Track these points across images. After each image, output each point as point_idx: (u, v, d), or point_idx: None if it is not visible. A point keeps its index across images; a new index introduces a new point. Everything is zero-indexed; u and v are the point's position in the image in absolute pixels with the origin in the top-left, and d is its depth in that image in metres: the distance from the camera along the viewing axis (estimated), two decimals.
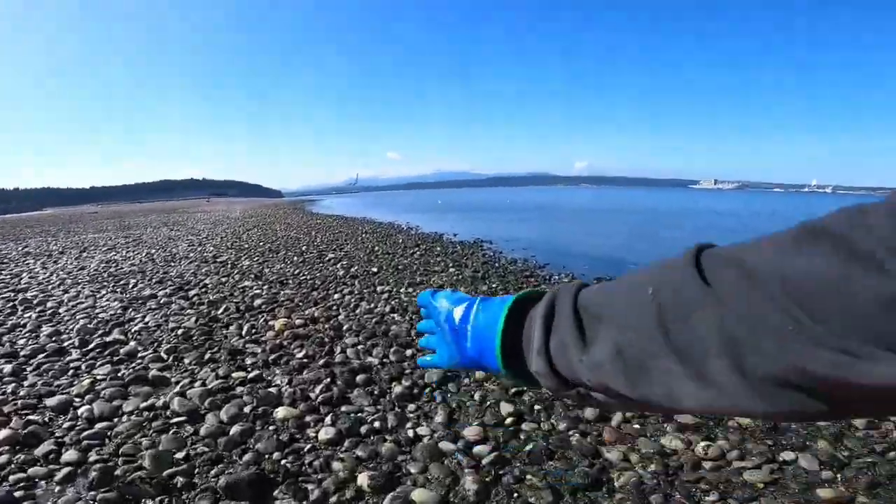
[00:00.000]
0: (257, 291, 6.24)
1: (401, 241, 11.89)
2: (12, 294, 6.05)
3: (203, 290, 6.42)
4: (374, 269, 7.74)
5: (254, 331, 4.45)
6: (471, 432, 2.75)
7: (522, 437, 2.75)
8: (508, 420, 2.88)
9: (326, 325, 4.63)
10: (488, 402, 3.07)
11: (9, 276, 7.56)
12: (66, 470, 2.22)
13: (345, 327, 4.58)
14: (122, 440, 2.45)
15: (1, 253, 10.96)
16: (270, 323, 4.71)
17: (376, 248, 10.39)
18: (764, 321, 0.29)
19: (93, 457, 2.31)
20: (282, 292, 6.18)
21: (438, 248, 10.42)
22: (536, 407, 3.05)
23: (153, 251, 10.68)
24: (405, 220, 21.26)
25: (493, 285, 6.68)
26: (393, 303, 5.54)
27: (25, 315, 4.90)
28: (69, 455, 2.31)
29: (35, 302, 5.54)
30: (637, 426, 2.89)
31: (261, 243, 11.81)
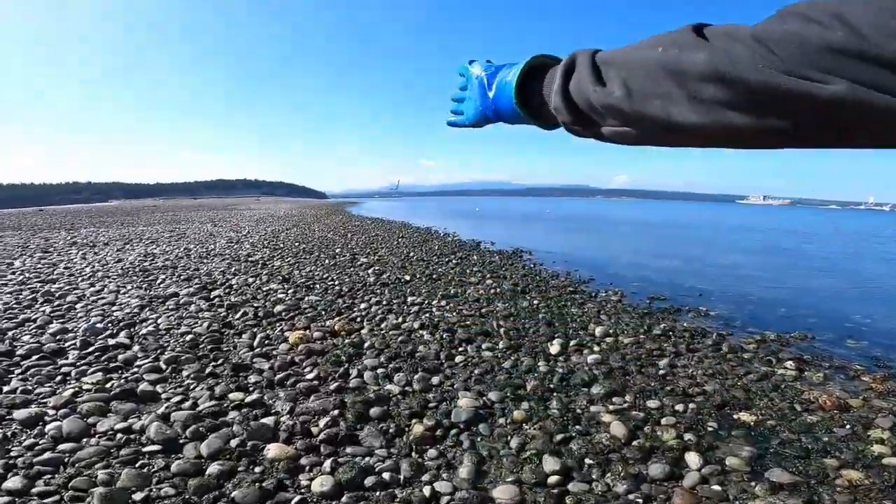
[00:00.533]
0: (281, 296, 5.89)
1: (436, 247, 11.43)
2: (39, 285, 5.94)
3: (227, 290, 6.13)
4: (407, 277, 7.28)
5: (267, 342, 4.05)
6: (504, 493, 2.20)
7: (570, 501, 2.18)
8: (552, 479, 2.31)
9: (347, 341, 4.17)
10: (527, 452, 2.50)
11: (45, 266, 7.56)
12: (1, 501, 1.82)
13: (366, 344, 4.11)
14: (78, 470, 2.04)
15: (49, 242, 11.22)
16: (286, 334, 4.31)
17: (411, 254, 9.96)
18: (744, 57, 0.41)
19: (38, 487, 1.91)
20: (306, 298, 5.81)
21: (475, 258, 9.88)
22: (588, 461, 2.47)
23: (192, 246, 10.66)
24: (442, 225, 20.83)
25: (535, 302, 6.07)
26: (423, 317, 5.04)
27: (40, 309, 4.69)
28: (12, 482, 1.92)
29: (57, 295, 5.38)
30: (717, 487, 2.27)
31: (297, 243, 11.63)
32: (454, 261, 9.31)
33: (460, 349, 4.19)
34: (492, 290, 6.64)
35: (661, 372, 3.83)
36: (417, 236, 14.50)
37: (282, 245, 11.19)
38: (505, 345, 4.29)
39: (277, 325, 4.66)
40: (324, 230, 16.01)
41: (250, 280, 6.87)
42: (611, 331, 4.90)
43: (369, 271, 7.78)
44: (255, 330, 4.41)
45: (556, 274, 8.45)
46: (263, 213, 27.74)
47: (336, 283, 6.81)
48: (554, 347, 4.28)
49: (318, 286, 6.59)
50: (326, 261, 8.81)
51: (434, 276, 7.48)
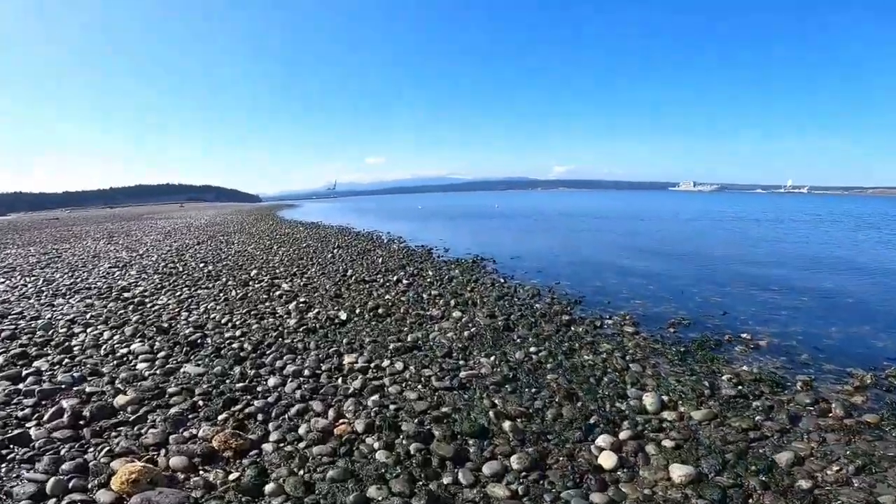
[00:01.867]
0: (142, 366, 3.76)
1: (380, 261, 9.41)
2: None
3: (56, 361, 3.88)
4: (343, 316, 5.26)
5: (74, 479, 1.99)
6: None
7: None
8: None
9: (231, 477, 2.20)
10: None
11: None
12: None
13: (269, 486, 2.16)
14: None
15: None
16: (113, 466, 2.26)
17: (349, 273, 7.90)
18: None
19: None
20: (182, 369, 3.70)
21: (430, 273, 7.99)
22: None
23: (57, 276, 8.04)
24: (385, 228, 18.75)
25: (531, 350, 4.28)
26: (370, 404, 3.11)
27: None
28: None
29: None
30: None
31: (203, 264, 9.21)
32: (404, 279, 7.36)
33: (444, 482, 2.32)
34: (465, 331, 4.79)
35: (802, 484, 2.19)
36: (357, 244, 12.38)
37: (181, 268, 8.75)
38: (521, 462, 2.45)
39: (106, 442, 2.58)
40: (245, 242, 13.50)
41: (106, 335, 4.62)
42: (664, 397, 3.20)
43: (291, 306, 5.69)
44: (58, 452, 2.30)
45: (537, 292, 6.72)
46: (179, 224, 24.34)
47: (238, 332, 4.70)
48: (604, 457, 2.51)
49: (209, 340, 4.47)
50: (234, 291, 6.59)
51: (380, 311, 5.51)
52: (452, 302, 5.96)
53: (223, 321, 5.16)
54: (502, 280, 7.55)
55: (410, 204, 59.83)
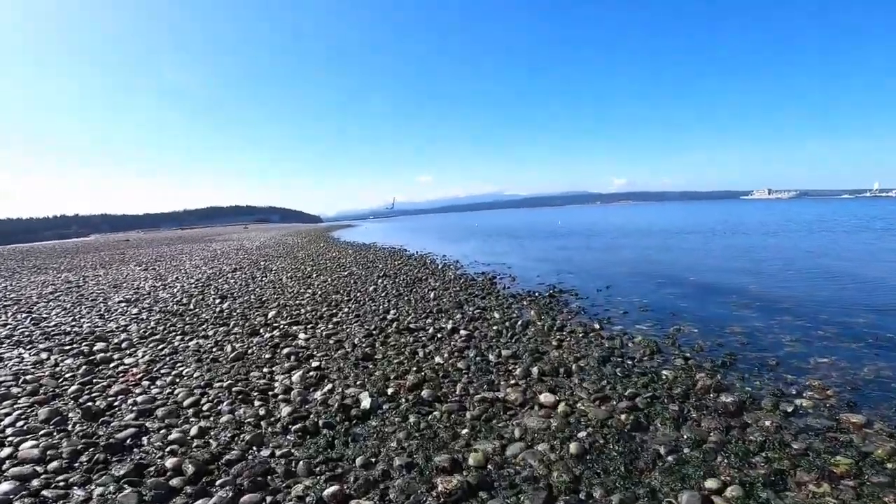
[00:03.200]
0: None
1: (432, 295, 7.49)
2: None
3: None
4: (365, 404, 3.34)
5: None
6: None
7: None
8: None
9: None
10: None
11: None
12: None
13: None
14: None
15: None
16: None
17: (390, 315, 6.04)
18: None
19: None
20: None
21: (496, 316, 5.95)
22: None
23: (46, 313, 6.79)
24: (440, 249, 16.91)
25: (695, 473, 2.19)
26: None
27: None
28: None
29: None
30: None
31: (220, 300, 7.71)
32: (462, 328, 5.38)
33: None
34: (568, 439, 2.73)
35: None
36: (407, 271, 10.56)
37: (192, 306, 7.26)
38: None
39: None
40: (283, 270, 12.09)
41: (7, 421, 2.99)
42: None
43: (295, 377, 3.85)
44: None
45: (654, 345, 4.49)
46: (231, 247, 23.83)
47: (195, 427, 2.91)
48: None
49: (145, 442, 2.69)
50: (230, 346, 4.87)
51: (425, 392, 3.54)
52: (535, 370, 3.89)
53: (186, 402, 3.40)
54: (597, 326, 5.37)
55: (465, 222, 58.11)
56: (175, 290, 9.00)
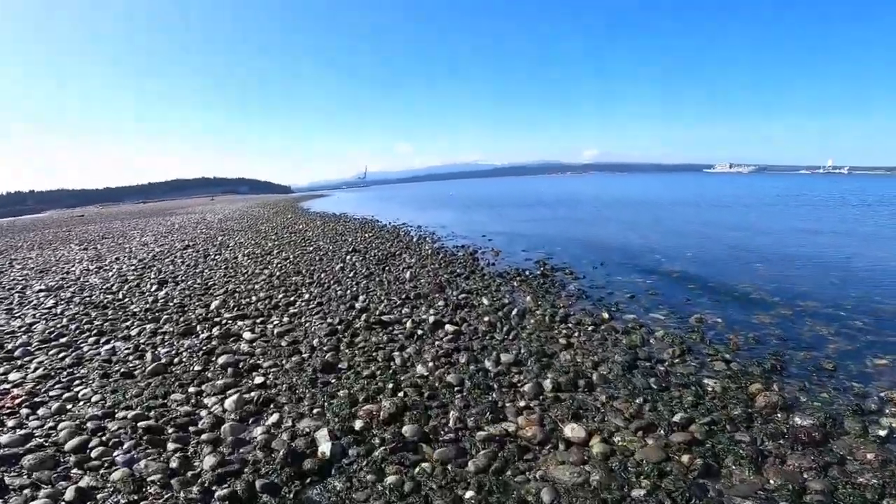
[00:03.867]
0: None
1: (408, 275, 6.51)
2: None
3: None
4: (324, 449, 2.40)
5: None
6: None
7: None
8: None
9: None
10: None
11: None
12: None
13: None
14: None
15: None
16: None
17: (358, 303, 5.06)
18: None
19: None
20: None
21: (486, 303, 5.04)
22: None
23: None
24: (415, 220, 15.76)
25: None
26: None
27: None
28: None
29: None
30: None
31: (156, 286, 6.56)
32: (447, 322, 4.46)
33: None
34: None
35: None
36: (379, 245, 9.50)
37: (122, 295, 6.11)
38: None
39: None
40: (242, 246, 10.86)
41: None
42: None
43: (229, 402, 2.86)
44: None
45: (682, 343, 3.67)
46: (191, 220, 22.15)
47: None
48: None
49: None
50: (151, 352, 3.82)
51: (406, 428, 2.62)
52: (547, 384, 3.01)
53: (69, 445, 2.41)
54: (606, 315, 4.51)
55: (442, 191, 56.70)
56: (110, 273, 7.77)
